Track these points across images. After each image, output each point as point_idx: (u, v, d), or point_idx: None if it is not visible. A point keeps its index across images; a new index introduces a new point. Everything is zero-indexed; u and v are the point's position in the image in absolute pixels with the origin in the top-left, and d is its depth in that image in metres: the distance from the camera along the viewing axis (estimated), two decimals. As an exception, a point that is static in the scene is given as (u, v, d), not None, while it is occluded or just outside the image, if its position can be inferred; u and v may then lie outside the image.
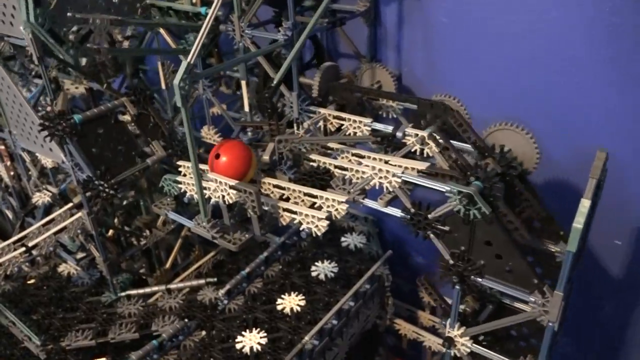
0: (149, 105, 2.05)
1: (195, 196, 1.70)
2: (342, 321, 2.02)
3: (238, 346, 1.85)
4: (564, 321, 1.36)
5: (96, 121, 1.91)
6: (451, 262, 1.45)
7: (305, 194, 1.56)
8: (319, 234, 1.47)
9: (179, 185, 1.77)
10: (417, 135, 1.69)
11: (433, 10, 2.00)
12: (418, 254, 2.54)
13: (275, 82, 1.68)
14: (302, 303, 2.04)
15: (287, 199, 1.60)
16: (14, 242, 2.12)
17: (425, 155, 1.68)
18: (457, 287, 1.47)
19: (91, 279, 2.43)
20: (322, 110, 1.88)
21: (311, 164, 1.71)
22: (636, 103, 1.64)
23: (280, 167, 1.69)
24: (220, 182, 1.55)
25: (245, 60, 1.84)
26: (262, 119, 2.21)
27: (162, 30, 2.15)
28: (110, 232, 2.44)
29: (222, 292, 2.05)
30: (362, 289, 2.17)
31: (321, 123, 1.88)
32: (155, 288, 2.36)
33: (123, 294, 2.33)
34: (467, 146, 1.61)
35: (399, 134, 1.69)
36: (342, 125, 1.85)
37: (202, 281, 2.36)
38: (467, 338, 1.54)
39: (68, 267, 2.43)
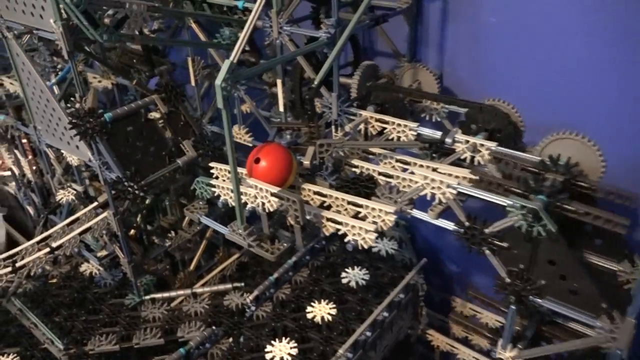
0: (180, 103, 2.00)
1: (231, 201, 1.65)
2: (376, 333, 1.92)
3: (268, 356, 1.77)
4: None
5: (126, 119, 1.87)
6: (508, 280, 1.34)
7: (349, 203, 1.50)
8: (365, 246, 1.38)
9: (213, 189, 1.69)
10: (467, 141, 1.59)
11: (481, 8, 1.89)
12: (452, 262, 2.44)
13: (316, 82, 1.59)
14: (333, 312, 1.96)
15: (329, 207, 1.54)
16: (38, 242, 2.08)
17: (476, 163, 1.58)
18: (513, 307, 1.37)
19: (114, 280, 2.39)
20: (364, 113, 1.80)
21: (353, 169, 1.65)
22: None
23: (321, 173, 1.63)
24: (261, 189, 1.48)
25: (287, 59, 1.75)
26: (297, 120, 2.15)
27: (193, 25, 2.07)
28: (132, 231, 2.40)
29: (250, 298, 1.97)
30: (397, 299, 2.07)
31: (362, 126, 1.80)
32: (180, 292, 2.30)
33: (147, 297, 2.27)
34: (524, 154, 1.50)
35: (448, 140, 1.59)
36: (385, 129, 1.78)
37: (228, 286, 2.30)
38: (520, 360, 1.45)
39: (90, 267, 2.39)
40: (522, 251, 1.34)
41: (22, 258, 2.04)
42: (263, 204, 1.48)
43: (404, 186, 1.53)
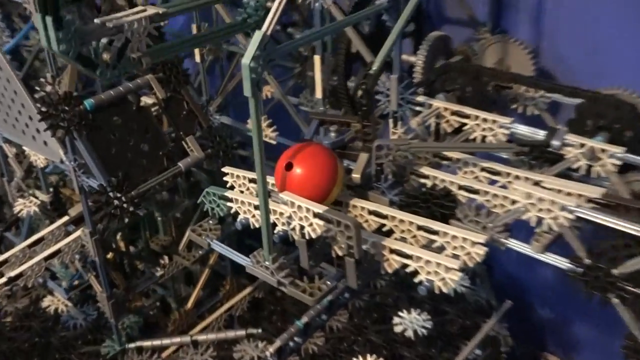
0: (182, 86, 1.96)
1: (254, 222, 1.62)
2: (443, 402, 1.87)
3: None
4: None
5: (112, 107, 1.82)
6: (645, 342, 1.27)
7: (420, 228, 1.45)
8: (445, 290, 1.32)
9: (229, 204, 1.67)
10: (582, 145, 1.52)
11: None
12: (544, 305, 2.36)
13: (376, 66, 1.54)
14: (384, 372, 1.90)
15: (390, 233, 1.49)
16: None
17: (594, 175, 1.52)
18: (651, 379, 1.30)
19: (86, 320, 2.38)
20: (435, 103, 1.75)
21: (421, 181, 1.61)
22: None
23: (379, 185, 1.58)
24: (299, 207, 1.43)
25: (334, 31, 1.70)
26: (336, 111, 2.11)
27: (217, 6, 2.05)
28: (109, 253, 2.40)
29: (270, 350, 1.93)
30: (471, 357, 2.01)
31: (431, 121, 1.75)
32: (175, 339, 2.27)
33: (131, 345, 2.24)
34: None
35: (555, 143, 1.53)
36: (464, 125, 1.73)
37: (240, 332, 2.26)
38: None
39: (55, 302, 2.38)
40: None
41: (-31, 290, 2.03)
42: (302, 227, 1.46)
43: (494, 205, 1.47)
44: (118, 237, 2.59)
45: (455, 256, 1.39)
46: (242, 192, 1.75)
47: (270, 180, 1.58)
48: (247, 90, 1.27)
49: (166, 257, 2.38)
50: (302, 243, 1.47)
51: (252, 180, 1.72)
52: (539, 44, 2.02)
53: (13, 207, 2.39)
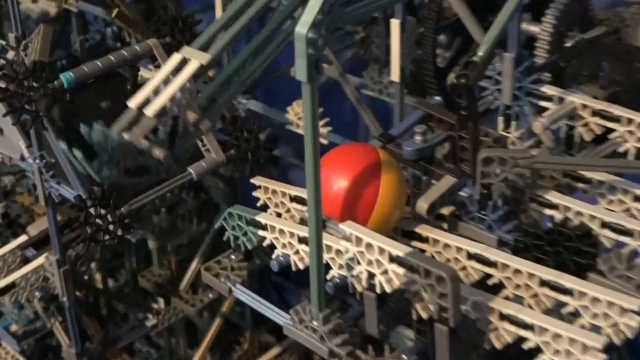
0: None
1: (299, 262, 1.62)
2: None
3: None
4: None
5: (99, 85, 1.84)
6: None
7: (544, 283, 1.42)
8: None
9: (262, 233, 1.67)
10: None
11: None
12: None
13: (484, 48, 1.52)
14: None
15: (498, 287, 1.48)
16: None
17: None
18: None
19: None
20: (569, 97, 1.74)
21: (547, 212, 1.60)
22: None
23: (485, 215, 1.57)
24: (370, 246, 1.42)
25: None
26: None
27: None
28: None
29: None
30: None
31: (562, 123, 1.74)
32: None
33: (108, 423, 2.27)
34: None
35: None
36: (611, 131, 1.71)
37: (264, 414, 2.27)
38: None
39: (3, 355, 2.44)
40: None
41: None
42: (371, 276, 1.45)
43: (657, 254, 1.45)
44: (93, 265, 2.61)
45: (595, 328, 1.36)
46: (279, 215, 1.75)
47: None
48: (301, 73, 1.26)
49: (161, 300, 2.39)
50: (371, 299, 1.46)
51: (295, 199, 1.72)
52: None
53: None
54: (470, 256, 1.50)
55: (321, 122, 2.18)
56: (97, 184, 1.76)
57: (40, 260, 2.11)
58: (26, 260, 2.16)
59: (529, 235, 1.51)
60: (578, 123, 1.74)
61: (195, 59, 1.56)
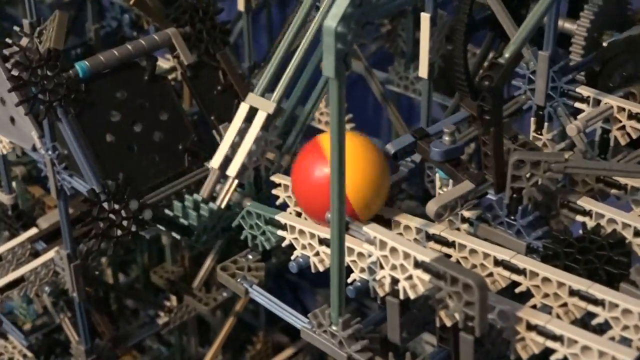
0: (220, 48, 1.99)
1: (319, 264, 1.62)
2: None
3: None
4: None
5: (115, 75, 1.86)
6: None
7: (574, 293, 1.41)
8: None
9: (281, 233, 1.68)
10: None
11: None
12: None
13: (510, 50, 1.51)
14: None
15: (525, 296, 1.47)
16: None
17: None
18: None
19: None
20: (606, 99, 1.73)
21: (578, 219, 1.59)
22: None
23: (514, 221, 1.55)
24: (395, 250, 1.42)
25: None
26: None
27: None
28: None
29: None
30: None
31: (597, 126, 1.73)
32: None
33: (117, 423, 2.28)
34: None
35: None
36: None
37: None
38: None
39: (9, 350, 2.43)
40: None
41: None
42: (394, 281, 1.45)
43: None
44: (103, 260, 2.62)
45: (626, 341, 1.35)
46: (299, 214, 1.75)
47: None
48: (329, 68, 1.26)
49: (173, 298, 2.39)
50: (394, 305, 1.45)
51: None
52: None
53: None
54: (498, 262, 1.49)
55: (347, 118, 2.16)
56: (113, 178, 1.77)
57: (50, 254, 2.11)
58: (36, 254, 2.16)
59: (560, 243, 1.50)
60: (614, 126, 1.73)
61: (262, 109, 1.72)
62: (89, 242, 1.94)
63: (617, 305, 1.35)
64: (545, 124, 1.78)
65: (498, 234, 1.57)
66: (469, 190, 1.55)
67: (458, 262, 1.52)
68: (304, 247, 1.64)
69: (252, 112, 1.75)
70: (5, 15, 2.92)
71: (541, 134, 1.78)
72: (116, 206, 1.76)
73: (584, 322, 1.45)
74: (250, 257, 1.78)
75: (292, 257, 1.66)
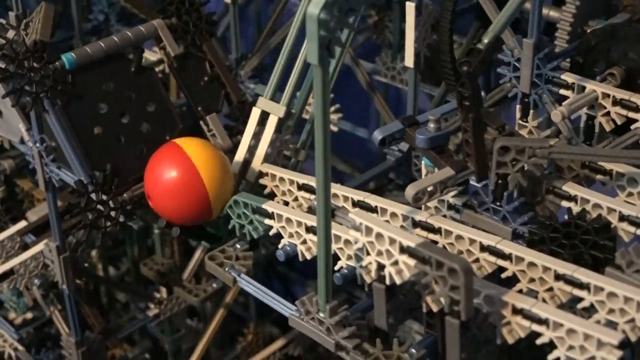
0: (206, 39, 1.99)
1: (306, 252, 1.63)
2: None
3: None
4: None
5: (102, 67, 1.85)
6: None
7: (559, 277, 1.42)
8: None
9: (268, 222, 1.68)
10: None
11: None
12: None
13: (489, 36, 1.53)
14: None
15: (511, 280, 1.48)
16: None
17: None
18: None
19: None
20: (590, 85, 1.73)
21: (564, 204, 1.59)
22: None
23: (499, 207, 1.56)
24: (380, 236, 1.42)
25: None
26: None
27: None
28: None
29: None
30: None
31: (583, 112, 1.73)
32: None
33: (108, 415, 2.28)
34: None
35: None
36: (635, 121, 1.69)
37: (267, 408, 2.28)
38: None
39: (1, 343, 2.42)
40: None
41: None
42: (380, 267, 1.45)
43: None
44: (94, 253, 2.62)
45: (611, 324, 1.35)
46: (286, 203, 1.76)
47: (336, 191, 1.59)
48: (312, 56, 1.26)
49: (163, 289, 2.39)
50: (380, 290, 1.45)
51: (303, 187, 1.72)
52: None
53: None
54: (484, 248, 1.49)
55: (332, 108, 2.17)
56: (100, 169, 1.77)
57: (39, 246, 2.11)
58: (25, 247, 2.16)
59: (545, 228, 1.50)
60: (598, 112, 1.73)
61: (273, 113, 1.80)
62: (78, 232, 1.94)
63: (602, 289, 1.36)
64: (531, 111, 1.77)
65: (484, 220, 1.58)
66: (448, 177, 1.55)
67: (444, 248, 1.52)
68: (291, 235, 1.65)
69: (265, 116, 1.82)
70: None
71: (527, 121, 1.78)
72: (104, 197, 1.76)
73: (572, 308, 1.45)
74: (238, 246, 1.78)
75: (280, 246, 1.67)
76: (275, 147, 1.80)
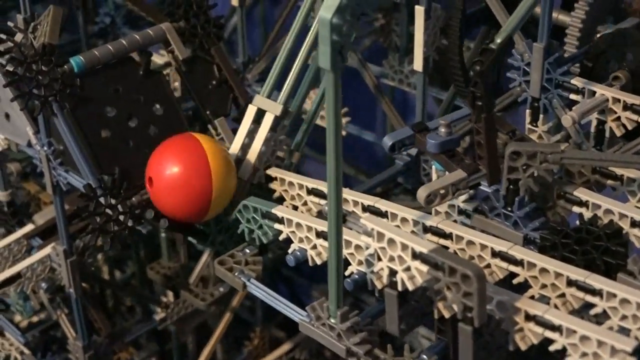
0: (214, 43, 1.98)
1: (316, 257, 1.62)
2: None
3: None
4: None
5: (110, 70, 1.85)
6: None
7: (572, 283, 1.41)
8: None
9: (278, 227, 1.68)
10: None
11: None
12: None
13: (501, 36, 1.52)
14: None
15: (523, 286, 1.47)
16: None
17: None
18: None
19: None
20: (601, 90, 1.72)
21: (575, 209, 1.59)
22: None
23: (510, 212, 1.56)
24: (392, 242, 1.41)
25: None
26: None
27: None
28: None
29: None
30: None
31: (593, 117, 1.72)
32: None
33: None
34: None
35: None
36: None
37: (274, 412, 2.27)
38: None
39: (6, 347, 2.42)
40: None
41: None
42: (392, 273, 1.44)
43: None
44: (99, 257, 2.61)
45: (624, 331, 1.34)
46: (295, 207, 1.75)
47: (346, 195, 1.58)
48: (324, 60, 1.26)
49: (170, 293, 2.39)
50: (392, 296, 1.44)
51: (312, 192, 1.72)
52: None
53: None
54: (495, 254, 1.49)
55: (343, 111, 2.17)
56: (109, 173, 1.76)
57: (46, 250, 2.11)
58: (29, 250, 2.16)
59: (557, 234, 1.50)
60: (609, 117, 1.72)
61: (269, 111, 1.78)
62: (86, 237, 1.94)
63: (615, 295, 1.35)
64: (541, 115, 1.77)
65: (495, 226, 1.57)
66: (460, 179, 1.53)
67: (455, 253, 1.51)
68: (301, 240, 1.64)
69: (260, 114, 1.78)
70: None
71: (536, 126, 1.77)
72: (113, 201, 1.75)
73: (581, 314, 1.44)
74: (247, 251, 1.77)
75: (289, 251, 1.66)
76: (269, 146, 1.77)
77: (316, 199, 1.71)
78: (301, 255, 1.64)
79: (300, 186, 1.73)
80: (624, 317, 1.34)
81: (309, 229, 1.62)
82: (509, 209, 1.56)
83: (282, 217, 1.66)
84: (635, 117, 1.69)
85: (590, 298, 1.38)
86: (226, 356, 2.64)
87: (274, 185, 1.78)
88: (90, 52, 1.81)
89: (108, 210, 1.76)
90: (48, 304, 2.20)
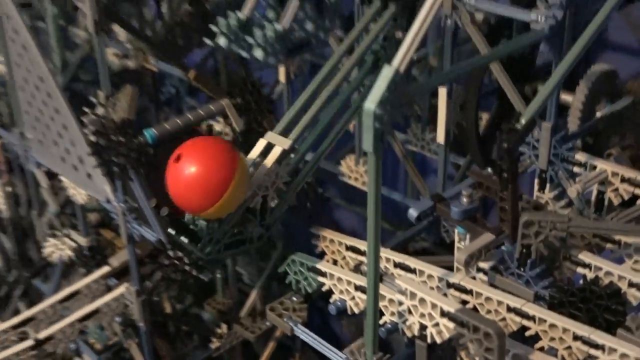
0: (266, 116, 1.95)
1: (354, 307, 1.60)
2: None
3: None
4: None
5: (178, 141, 1.76)
6: None
7: (577, 338, 1.38)
8: None
9: (321, 279, 1.66)
10: None
11: None
12: None
13: (526, 117, 1.48)
14: None
15: (533, 339, 1.43)
16: (13, 327, 2.09)
17: None
18: None
19: None
20: (601, 165, 1.70)
21: (579, 270, 1.55)
22: None
23: (523, 273, 1.51)
24: (423, 301, 1.39)
25: (478, 65, 1.64)
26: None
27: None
28: None
29: None
30: None
31: (594, 188, 1.70)
32: None
33: None
34: None
35: None
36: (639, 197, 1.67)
37: None
38: None
39: None
40: None
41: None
42: (422, 327, 1.43)
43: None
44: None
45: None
46: (335, 262, 1.73)
47: (381, 254, 1.53)
48: (367, 144, 1.24)
49: (224, 325, 2.37)
50: (422, 348, 1.43)
51: (350, 248, 1.70)
52: None
53: (42, 247, 2.41)
54: (510, 309, 1.46)
55: (365, 168, 2.14)
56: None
57: (121, 289, 2.11)
58: (108, 289, 2.16)
59: (564, 292, 1.47)
60: (608, 188, 1.70)
61: (278, 144, 1.63)
62: (156, 282, 1.93)
63: (615, 350, 1.33)
64: (547, 185, 1.74)
65: (510, 283, 1.54)
66: (490, 241, 1.51)
67: (475, 308, 1.49)
68: (341, 292, 1.62)
69: (269, 148, 1.66)
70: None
71: (544, 193, 1.74)
72: (180, 254, 1.75)
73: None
74: (294, 299, 1.75)
75: (331, 300, 1.64)
76: (271, 176, 1.63)
77: (354, 255, 1.69)
78: (341, 305, 1.62)
79: (340, 243, 1.71)
80: (623, 371, 1.32)
81: (349, 283, 1.60)
82: (522, 269, 1.53)
83: (325, 272, 1.65)
84: (631, 188, 1.67)
85: (593, 352, 1.36)
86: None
87: (317, 241, 1.75)
88: (162, 125, 1.81)
89: (175, 262, 1.75)
90: (121, 334, 2.18)
